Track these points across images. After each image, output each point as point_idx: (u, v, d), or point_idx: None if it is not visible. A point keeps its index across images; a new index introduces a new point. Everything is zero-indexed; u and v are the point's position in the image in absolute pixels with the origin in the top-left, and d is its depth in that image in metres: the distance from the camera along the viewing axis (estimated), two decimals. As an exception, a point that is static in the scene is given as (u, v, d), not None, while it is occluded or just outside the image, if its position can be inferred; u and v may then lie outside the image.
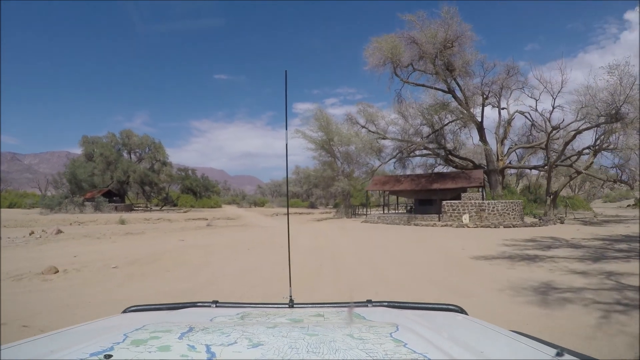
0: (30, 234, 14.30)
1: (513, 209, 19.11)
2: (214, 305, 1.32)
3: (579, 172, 22.13)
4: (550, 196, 22.67)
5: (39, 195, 43.57)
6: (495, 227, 17.83)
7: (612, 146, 20.64)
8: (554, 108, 23.39)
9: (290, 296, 1.36)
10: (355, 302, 1.29)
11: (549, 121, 23.95)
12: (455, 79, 23.31)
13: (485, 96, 24.86)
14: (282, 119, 1.55)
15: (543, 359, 0.76)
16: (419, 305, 1.31)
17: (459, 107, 23.68)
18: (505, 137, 27.03)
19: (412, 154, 27.72)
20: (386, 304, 1.31)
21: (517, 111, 27.00)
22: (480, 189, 22.66)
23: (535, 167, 27.32)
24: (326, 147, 30.39)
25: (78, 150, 45.23)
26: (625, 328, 3.76)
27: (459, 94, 23.65)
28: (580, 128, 20.82)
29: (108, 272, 7.05)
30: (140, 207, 46.24)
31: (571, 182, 27.89)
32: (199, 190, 53.33)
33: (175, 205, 48.47)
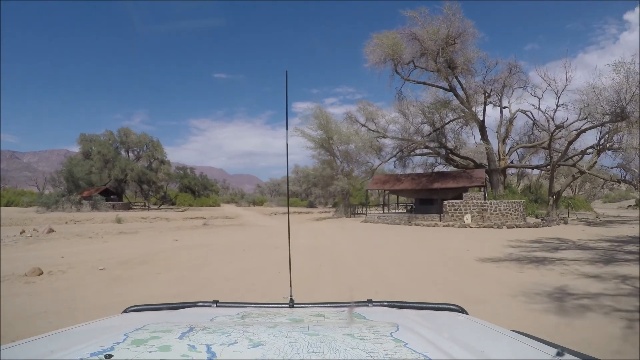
0: (21, 233, 13.91)
1: (516, 209, 18.77)
2: (215, 305, 1.31)
3: (582, 172, 21.79)
4: (552, 196, 22.33)
5: (37, 194, 43.17)
6: (498, 228, 17.48)
7: (615, 145, 20.31)
8: (558, 106, 23.04)
9: (291, 296, 1.35)
10: (355, 302, 1.28)
11: (553, 119, 23.60)
12: (456, 77, 22.93)
13: (487, 94, 24.50)
14: (281, 118, 1.47)
15: (544, 358, 0.75)
16: (420, 305, 1.30)
17: (461, 105, 23.32)
18: (506, 136, 26.70)
19: (412, 153, 27.34)
20: (387, 303, 1.30)
21: (518, 110, 26.67)
22: (482, 189, 22.30)
23: (537, 167, 26.98)
24: (325, 146, 30.00)
25: (77, 149, 44.80)
26: (656, 341, 3.40)
27: (460, 92, 23.29)
28: (584, 127, 20.47)
29: (94, 275, 6.68)
30: (138, 205, 45.86)
31: (571, 183, 27.52)
32: (197, 189, 53.02)
33: (173, 204, 48.14)
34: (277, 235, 13.99)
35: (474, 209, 18.90)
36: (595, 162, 21.88)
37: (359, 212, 31.86)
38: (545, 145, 23.49)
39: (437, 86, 23.74)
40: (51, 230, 14.36)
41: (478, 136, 25.67)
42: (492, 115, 61.70)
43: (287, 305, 1.31)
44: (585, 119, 20.11)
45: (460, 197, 20.34)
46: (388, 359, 0.67)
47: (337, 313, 1.15)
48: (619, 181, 23.58)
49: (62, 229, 16.29)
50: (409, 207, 27.87)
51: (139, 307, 1.33)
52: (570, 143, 21.11)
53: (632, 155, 20.02)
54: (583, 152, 22.50)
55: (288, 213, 1.86)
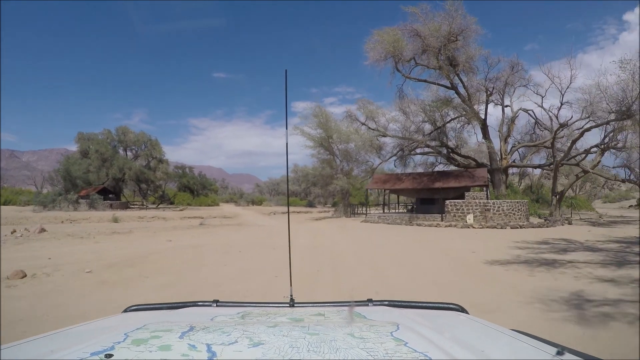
0: (11, 233, 13.52)
1: (519, 209, 18.41)
2: (215, 305, 1.29)
3: (586, 172, 21.43)
4: (556, 196, 21.96)
5: (34, 193, 42.74)
6: (501, 228, 17.12)
7: (620, 144, 19.95)
8: (562, 104, 22.66)
9: (291, 295, 1.34)
10: (355, 301, 1.27)
11: (557, 117, 23.22)
12: (458, 75, 22.52)
13: (489, 93, 24.13)
14: (280, 118, 1.27)
15: (544, 358, 0.75)
16: (420, 304, 1.29)
17: (462, 103, 22.94)
18: (508, 135, 26.30)
19: (413, 152, 26.94)
20: (387, 303, 1.29)
21: (520, 109, 26.30)
22: (484, 189, 21.93)
23: (540, 166, 26.63)
24: (325, 145, 29.60)
25: (75, 147, 44.37)
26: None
27: (462, 90, 22.90)
28: (587, 126, 20.11)
29: (80, 278, 6.30)
30: (137, 205, 45.43)
31: (575, 182, 27.17)
32: (196, 188, 52.64)
33: (172, 203, 47.77)
34: (276, 235, 13.64)
35: (476, 209, 18.54)
36: (599, 161, 21.53)
37: (358, 211, 31.47)
38: (548, 144, 23.12)
39: (438, 84, 23.35)
40: (43, 230, 13.98)
41: (479, 135, 25.34)
42: (493, 113, 61.50)
43: (288, 305, 1.29)
44: (589, 117, 19.75)
45: (462, 197, 19.97)
46: (388, 358, 0.66)
47: (337, 312, 1.14)
48: (623, 180, 23.24)
49: (55, 229, 15.90)
50: (409, 207, 27.49)
51: (139, 307, 1.32)
52: (574, 142, 20.71)
53: (636, 155, 19.70)
54: (587, 151, 22.15)
55: (288, 212, 1.81)
